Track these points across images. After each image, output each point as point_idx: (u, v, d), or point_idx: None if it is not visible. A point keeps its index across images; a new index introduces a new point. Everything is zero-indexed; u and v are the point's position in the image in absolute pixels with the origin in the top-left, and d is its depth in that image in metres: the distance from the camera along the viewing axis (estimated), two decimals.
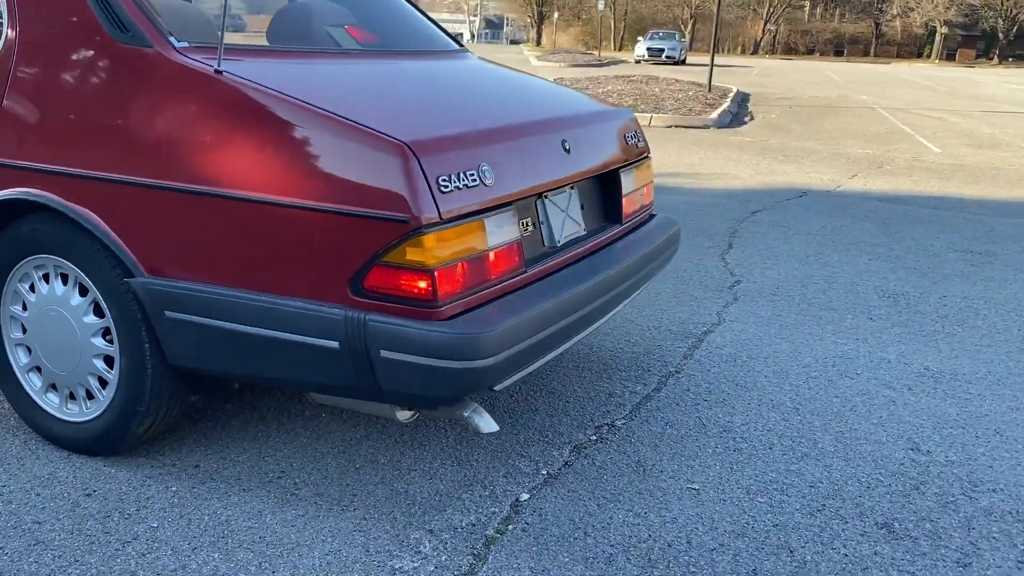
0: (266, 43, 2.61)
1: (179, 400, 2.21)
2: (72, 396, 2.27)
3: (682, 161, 8.19)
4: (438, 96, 2.35)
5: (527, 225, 2.19)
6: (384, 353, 1.82)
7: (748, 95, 16.58)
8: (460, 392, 1.86)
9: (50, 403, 2.30)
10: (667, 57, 32.48)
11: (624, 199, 2.68)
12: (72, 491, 2.13)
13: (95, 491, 2.13)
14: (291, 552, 1.92)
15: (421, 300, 1.81)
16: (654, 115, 11.21)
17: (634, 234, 2.71)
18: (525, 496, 2.20)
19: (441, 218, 1.81)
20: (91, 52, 2.09)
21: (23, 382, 2.32)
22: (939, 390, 2.97)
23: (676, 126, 11.07)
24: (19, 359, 2.33)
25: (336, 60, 2.47)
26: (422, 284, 1.80)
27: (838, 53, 62.68)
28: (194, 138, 1.95)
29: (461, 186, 1.88)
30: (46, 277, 2.23)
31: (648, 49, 32.97)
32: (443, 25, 3.28)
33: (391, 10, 3.14)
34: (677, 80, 16.34)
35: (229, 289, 1.95)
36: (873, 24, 62.37)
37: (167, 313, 2.01)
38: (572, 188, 2.41)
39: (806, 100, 16.50)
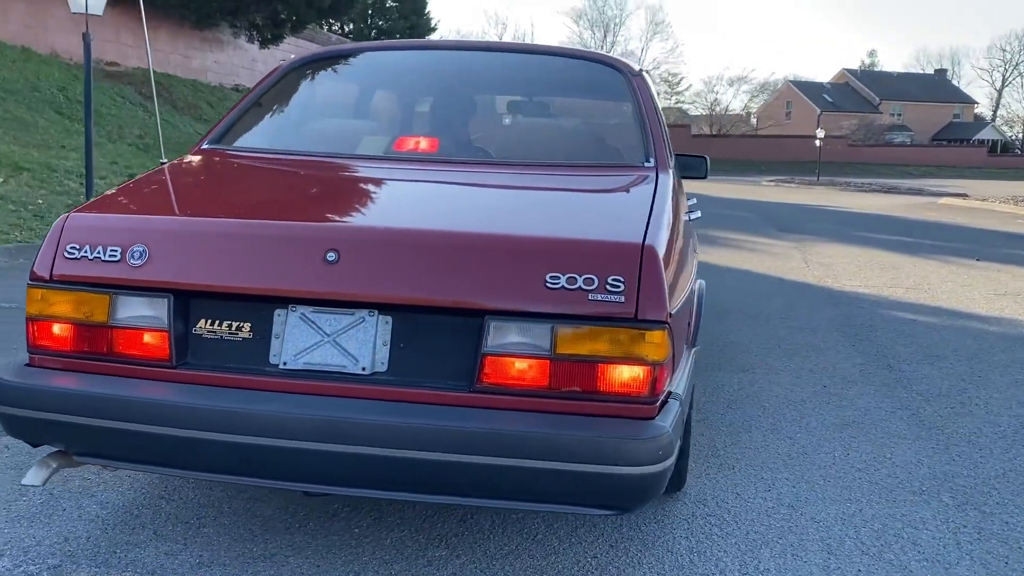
0: (273, 145, 2.95)
1: None
2: None
3: None
4: (287, 196, 2.53)
5: (237, 329, 2.03)
6: None
7: None
8: (10, 433, 2.06)
9: None
10: None
11: (494, 359, 1.91)
12: None
13: None
14: None
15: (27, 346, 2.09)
16: None
17: (511, 415, 1.88)
18: None
19: (51, 278, 2.04)
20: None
21: None
22: None
23: None
24: None
25: (300, 159, 2.79)
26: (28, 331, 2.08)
27: None
28: None
29: (92, 257, 2.03)
30: None
31: None
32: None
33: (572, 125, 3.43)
34: None
35: None
36: None
37: None
38: (374, 314, 1.97)
39: None
